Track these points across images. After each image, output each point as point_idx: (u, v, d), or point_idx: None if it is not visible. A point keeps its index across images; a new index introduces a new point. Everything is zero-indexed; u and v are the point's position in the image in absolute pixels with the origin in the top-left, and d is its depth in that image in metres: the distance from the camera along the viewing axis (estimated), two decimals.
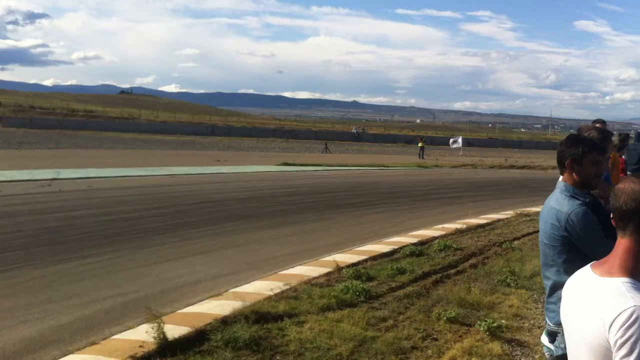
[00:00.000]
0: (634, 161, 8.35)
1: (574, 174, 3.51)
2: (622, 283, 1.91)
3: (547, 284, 3.68)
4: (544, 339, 4.07)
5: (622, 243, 1.97)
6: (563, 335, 3.35)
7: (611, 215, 2.04)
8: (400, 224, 14.55)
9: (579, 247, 3.40)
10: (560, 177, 3.66)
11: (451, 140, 59.26)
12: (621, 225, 1.97)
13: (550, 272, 3.62)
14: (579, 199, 3.46)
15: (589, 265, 2.11)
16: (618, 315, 1.82)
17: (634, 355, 1.79)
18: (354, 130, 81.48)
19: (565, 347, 3.40)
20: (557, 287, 3.46)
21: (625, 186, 1.98)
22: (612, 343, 1.83)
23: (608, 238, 2.88)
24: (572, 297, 2.12)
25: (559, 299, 3.47)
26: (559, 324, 3.36)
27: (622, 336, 1.80)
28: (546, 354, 4.18)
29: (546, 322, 3.79)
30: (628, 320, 1.80)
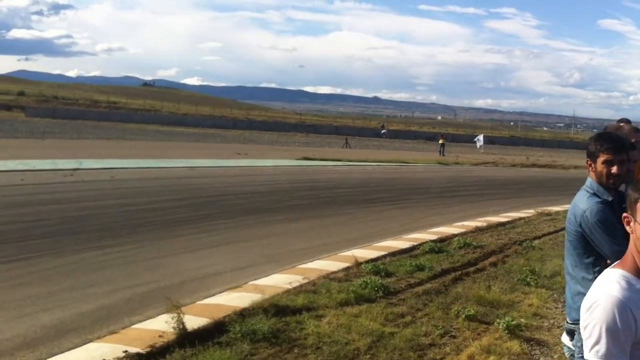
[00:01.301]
0: None
1: (592, 172, 3.49)
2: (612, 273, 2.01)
3: (567, 278, 3.67)
4: (565, 339, 4.03)
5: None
6: (579, 332, 3.34)
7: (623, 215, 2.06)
8: (419, 220, 14.51)
9: (592, 244, 3.39)
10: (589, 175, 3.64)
11: (476, 140, 58.89)
12: None
13: (569, 267, 3.61)
14: (599, 197, 3.43)
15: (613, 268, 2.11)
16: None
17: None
18: (382, 132, 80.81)
19: (582, 345, 3.37)
20: (575, 282, 3.47)
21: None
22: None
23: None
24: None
25: (577, 294, 3.46)
26: (575, 321, 3.35)
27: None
28: (566, 353, 4.14)
29: (567, 320, 3.76)
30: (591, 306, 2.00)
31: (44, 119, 62.40)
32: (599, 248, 3.33)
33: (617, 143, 3.48)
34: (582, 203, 3.46)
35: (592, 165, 3.48)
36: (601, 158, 3.43)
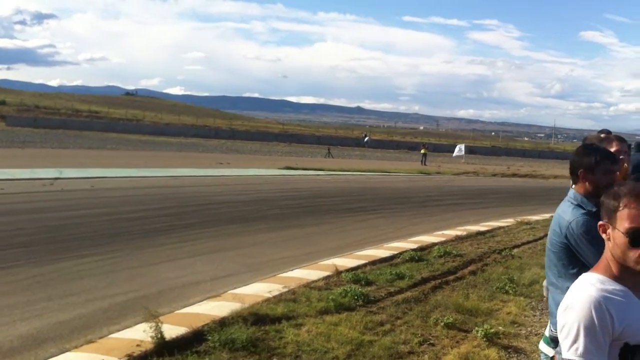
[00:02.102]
0: (634, 170, 8.35)
1: (586, 183, 3.52)
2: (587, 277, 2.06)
3: (550, 288, 3.69)
4: (543, 346, 4.07)
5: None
6: None
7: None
8: (400, 229, 14.56)
9: (577, 254, 3.43)
10: (573, 186, 3.67)
11: (456, 149, 59.11)
12: None
13: (553, 277, 3.64)
14: (584, 209, 3.47)
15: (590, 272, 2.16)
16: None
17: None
18: (365, 140, 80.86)
19: None
20: (560, 292, 3.50)
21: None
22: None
23: None
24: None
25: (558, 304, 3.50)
26: None
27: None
28: None
29: (549, 327, 3.79)
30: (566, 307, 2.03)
31: (25, 128, 61.97)
32: (584, 259, 3.36)
33: (613, 154, 3.60)
34: (567, 214, 3.49)
35: (587, 175, 3.51)
36: (602, 168, 3.48)
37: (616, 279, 2.04)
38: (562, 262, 3.53)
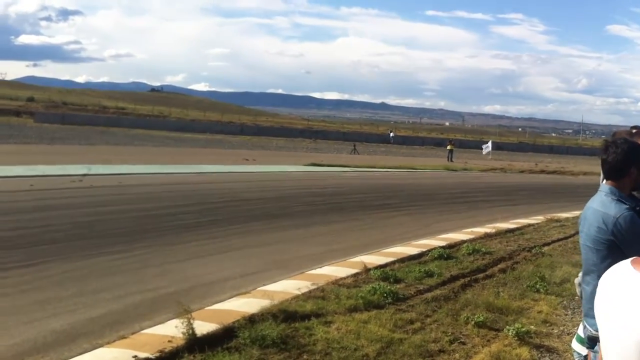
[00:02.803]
0: None
1: (627, 178, 3.46)
2: None
3: (588, 289, 3.62)
4: (575, 345, 4.02)
5: None
6: None
7: None
8: (428, 226, 14.49)
9: (625, 251, 3.35)
10: (604, 181, 3.60)
11: (483, 147, 58.76)
12: None
13: (591, 276, 3.57)
14: (626, 203, 3.41)
15: (628, 262, 2.08)
16: None
17: None
18: (391, 136, 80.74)
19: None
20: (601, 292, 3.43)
21: None
22: None
23: None
24: (611, 294, 2.08)
25: None
26: None
27: None
28: (576, 359, 4.13)
29: (585, 327, 3.73)
30: None
31: (52, 125, 62.68)
32: (632, 255, 3.30)
33: None
34: (611, 210, 3.41)
35: (636, 171, 3.47)
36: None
37: None
38: (607, 262, 3.46)
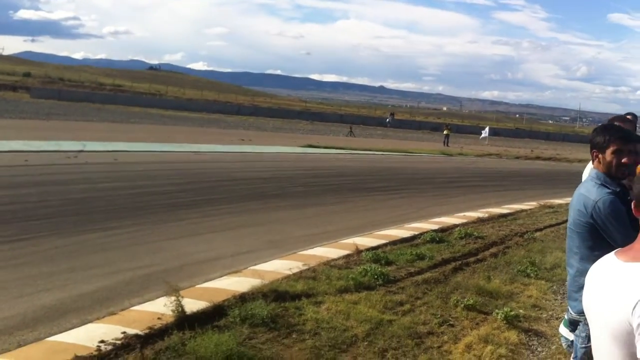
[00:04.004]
0: None
1: (599, 163, 3.49)
2: None
3: (571, 271, 3.65)
4: (562, 330, 4.04)
5: None
6: (585, 324, 3.34)
7: (632, 204, 2.02)
8: (421, 210, 14.51)
9: (604, 235, 3.37)
10: (593, 166, 3.63)
11: (482, 132, 58.62)
12: None
13: (574, 259, 3.60)
14: (608, 188, 3.43)
15: (613, 253, 2.09)
16: None
17: None
18: (387, 120, 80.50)
19: (585, 335, 3.36)
20: (580, 274, 3.44)
21: None
22: (634, 326, 1.82)
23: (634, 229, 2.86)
24: (596, 284, 2.10)
25: (582, 287, 3.46)
26: (581, 313, 3.34)
27: None
28: (564, 344, 4.16)
29: (568, 310, 3.76)
30: None
31: (49, 100, 62.39)
32: (611, 239, 3.31)
33: (625, 133, 3.52)
34: (592, 194, 3.45)
35: (600, 156, 3.48)
36: (611, 148, 3.44)
37: None
38: (587, 244, 3.48)
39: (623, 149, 3.43)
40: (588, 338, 3.13)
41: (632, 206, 2.03)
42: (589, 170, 5.07)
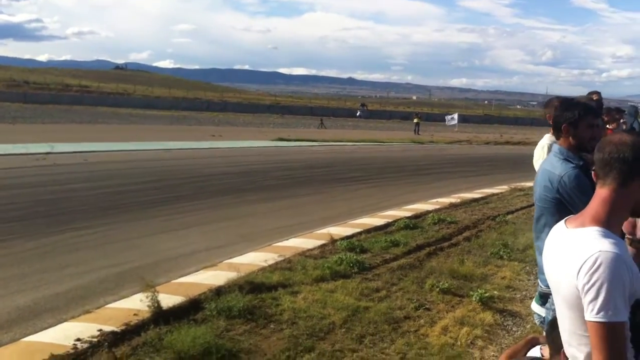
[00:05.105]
0: None
1: (570, 137, 3.54)
2: (592, 231, 1.95)
3: (540, 245, 3.70)
4: (535, 307, 4.10)
5: (599, 193, 2.02)
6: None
7: (593, 172, 2.07)
8: (394, 198, 14.59)
9: (570, 208, 3.43)
10: (555, 142, 3.68)
11: (447, 117, 59.10)
12: (602, 175, 2.01)
13: (544, 233, 3.65)
14: (572, 162, 3.49)
15: (563, 221, 2.14)
16: (584, 262, 1.86)
17: (600, 299, 1.83)
18: (358, 114, 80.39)
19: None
20: None
21: (612, 137, 2.01)
22: (580, 289, 1.87)
23: None
24: (549, 253, 2.16)
25: None
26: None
27: (588, 281, 1.85)
28: (536, 321, 4.23)
29: (539, 284, 3.83)
30: (593, 265, 1.84)
31: (14, 104, 61.26)
32: (577, 211, 3.37)
33: (594, 108, 3.61)
34: (557, 169, 3.51)
35: (571, 130, 3.53)
36: (585, 122, 3.50)
37: (613, 230, 2.00)
38: (554, 219, 3.53)
39: (594, 123, 3.51)
40: None
41: (593, 175, 2.08)
42: (540, 150, 5.17)
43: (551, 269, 2.13)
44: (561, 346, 2.19)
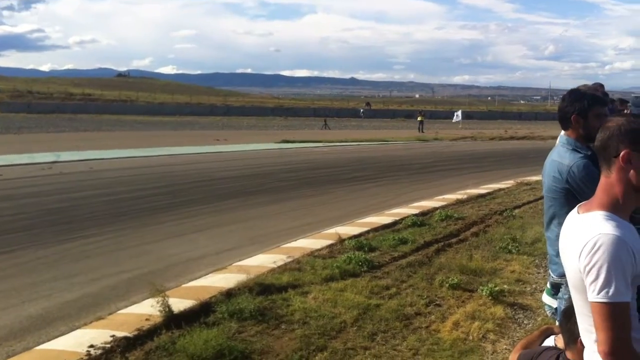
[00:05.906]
0: None
1: (580, 128, 3.53)
2: (596, 215, 1.99)
3: (551, 236, 3.71)
4: (545, 298, 4.10)
5: (602, 179, 2.06)
6: (566, 286, 3.40)
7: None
8: (401, 196, 14.59)
9: (580, 198, 3.43)
10: (562, 132, 3.68)
11: (454, 116, 59.06)
12: (601, 160, 2.10)
13: (553, 224, 3.65)
14: (580, 152, 3.50)
15: (576, 207, 2.17)
16: (585, 244, 1.90)
17: (600, 279, 1.86)
18: (361, 111, 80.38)
19: (568, 297, 3.43)
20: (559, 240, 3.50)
21: (606, 123, 2.06)
22: (582, 271, 1.91)
23: None
24: (562, 239, 2.19)
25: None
26: (562, 275, 3.40)
27: (588, 263, 1.89)
28: (548, 312, 4.23)
29: (549, 275, 3.83)
30: (593, 247, 1.89)
31: (19, 114, 61.51)
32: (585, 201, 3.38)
33: (602, 98, 3.63)
34: (566, 159, 3.52)
35: (581, 121, 3.52)
36: (594, 112, 3.51)
37: (620, 214, 2.02)
38: (565, 210, 3.54)
39: (602, 112, 3.52)
40: (570, 299, 3.19)
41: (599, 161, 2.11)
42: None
43: (563, 254, 2.15)
44: (577, 335, 2.20)
